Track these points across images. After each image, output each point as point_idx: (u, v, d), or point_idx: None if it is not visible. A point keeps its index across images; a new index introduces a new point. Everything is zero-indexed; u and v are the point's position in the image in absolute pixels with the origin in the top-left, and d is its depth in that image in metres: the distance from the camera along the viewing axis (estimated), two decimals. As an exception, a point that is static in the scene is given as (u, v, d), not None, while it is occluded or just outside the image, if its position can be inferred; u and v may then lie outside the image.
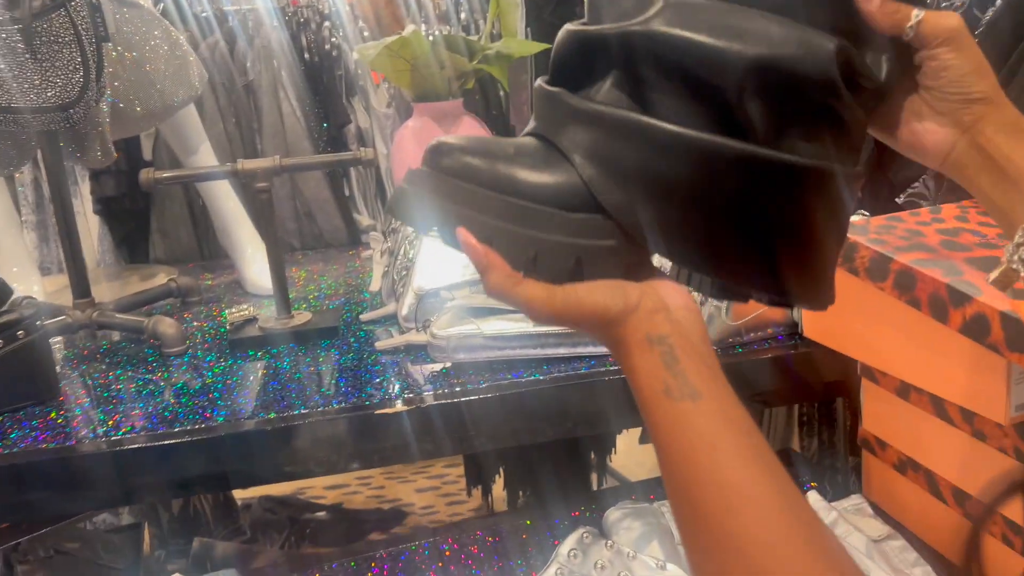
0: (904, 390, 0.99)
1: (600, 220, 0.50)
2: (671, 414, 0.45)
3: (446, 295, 1.17)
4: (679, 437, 0.44)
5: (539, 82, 0.55)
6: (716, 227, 0.49)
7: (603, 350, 1.06)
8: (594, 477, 2.08)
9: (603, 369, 1.04)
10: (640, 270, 0.52)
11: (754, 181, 0.48)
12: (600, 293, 0.49)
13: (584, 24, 0.53)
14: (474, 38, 1.51)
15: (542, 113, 0.53)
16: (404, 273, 1.22)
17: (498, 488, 2.12)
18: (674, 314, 0.50)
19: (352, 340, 1.22)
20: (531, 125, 0.54)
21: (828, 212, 0.51)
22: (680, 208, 0.48)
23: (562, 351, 1.07)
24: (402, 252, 1.27)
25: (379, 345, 1.16)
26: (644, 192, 0.48)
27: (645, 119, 0.48)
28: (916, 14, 0.48)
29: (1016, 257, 0.48)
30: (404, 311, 1.18)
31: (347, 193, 1.88)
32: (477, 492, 2.17)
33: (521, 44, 1.51)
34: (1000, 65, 1.13)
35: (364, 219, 1.87)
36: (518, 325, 1.07)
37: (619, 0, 0.50)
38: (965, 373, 0.88)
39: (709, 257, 0.50)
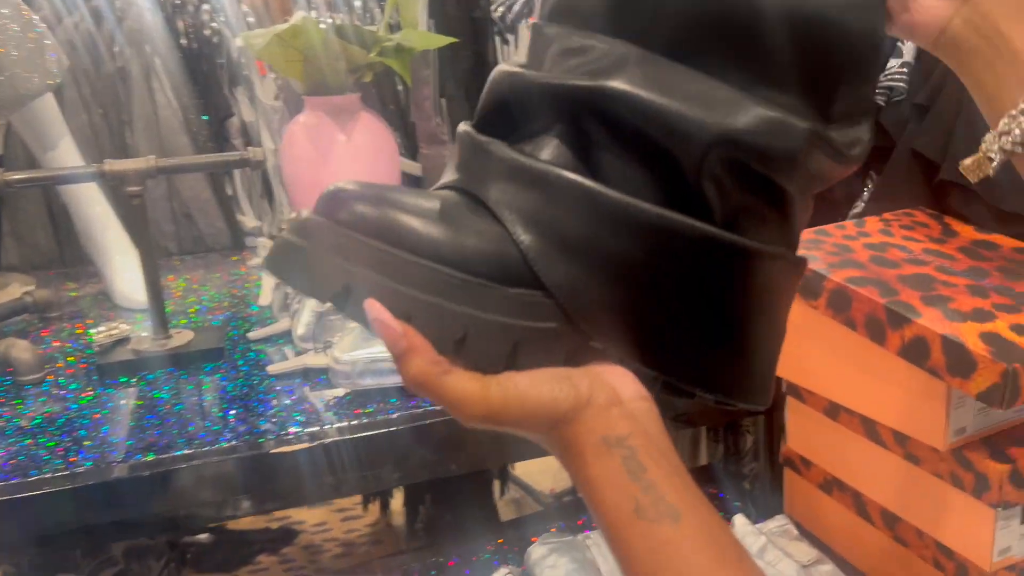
0: (833, 410, 0.96)
1: (540, 297, 0.42)
2: (649, 538, 0.38)
3: (348, 312, 1.07)
4: (662, 566, 0.37)
5: (465, 127, 0.47)
6: (668, 315, 0.44)
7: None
8: (496, 485, 2.01)
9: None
10: (581, 355, 0.45)
11: (712, 266, 0.43)
12: (546, 386, 0.41)
13: (524, 67, 0.46)
14: (372, 28, 1.40)
15: (469, 165, 0.46)
16: (300, 287, 1.11)
17: (396, 502, 2.02)
18: (629, 407, 0.43)
19: (240, 363, 1.09)
20: (451, 176, 0.46)
21: (782, 302, 0.48)
22: (629, 292, 0.43)
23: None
24: (296, 263, 1.15)
25: (272, 369, 1.04)
26: (589, 270, 0.42)
27: (598, 187, 0.42)
28: None
29: (996, 147, 0.44)
30: (301, 330, 1.07)
31: (229, 192, 1.72)
32: (374, 507, 2.06)
33: (423, 37, 1.41)
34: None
35: (249, 220, 1.72)
36: (430, 346, 0.97)
37: (572, 48, 0.44)
38: (901, 396, 0.85)
39: (658, 350, 0.44)
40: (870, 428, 0.90)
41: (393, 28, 1.53)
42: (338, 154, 1.41)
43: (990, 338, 0.76)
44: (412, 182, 1.67)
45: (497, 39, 1.87)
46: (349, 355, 0.96)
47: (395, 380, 0.96)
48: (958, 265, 0.92)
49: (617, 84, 0.42)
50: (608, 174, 0.43)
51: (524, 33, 2.04)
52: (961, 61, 0.46)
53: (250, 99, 1.71)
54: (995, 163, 0.45)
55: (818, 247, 0.96)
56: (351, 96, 1.41)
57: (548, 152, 0.44)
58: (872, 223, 1.04)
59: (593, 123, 0.43)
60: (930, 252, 0.96)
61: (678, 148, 0.42)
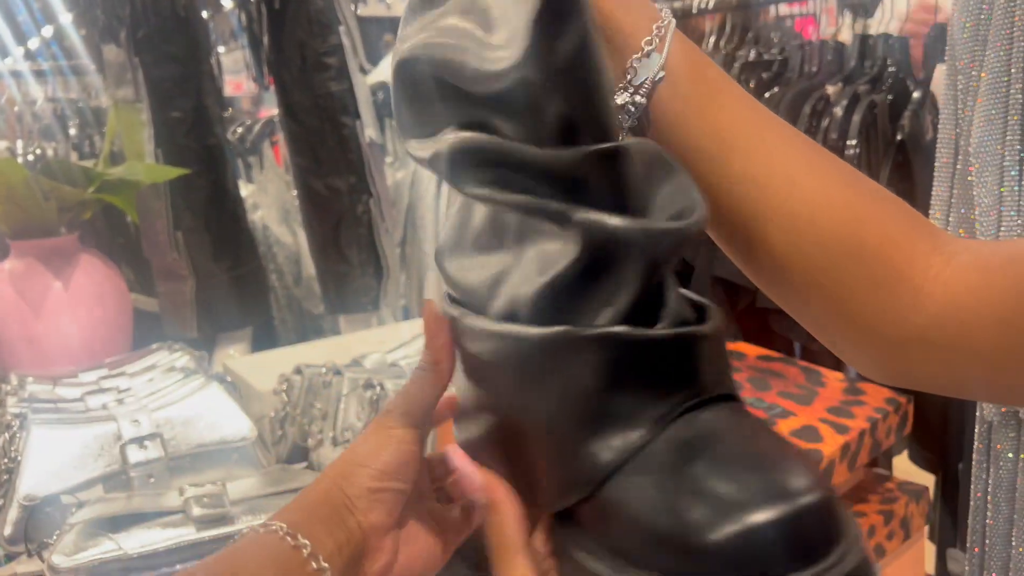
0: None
1: None
2: None
3: (69, 500, 0.90)
4: None
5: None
6: None
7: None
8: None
9: (290, 573, 0.85)
10: None
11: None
12: None
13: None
14: (89, 163, 1.26)
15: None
16: (5, 477, 0.93)
17: None
18: None
19: (-72, 580, 0.88)
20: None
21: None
22: None
23: (235, 556, 0.86)
24: (1, 444, 0.97)
25: (-30, 586, 0.85)
26: None
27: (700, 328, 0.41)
28: None
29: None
30: (7, 530, 0.89)
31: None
32: None
33: (149, 170, 1.29)
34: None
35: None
36: (173, 533, 0.84)
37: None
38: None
39: None
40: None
41: (116, 159, 1.39)
42: (53, 303, 1.24)
43: (755, 460, 0.77)
44: (148, 319, 1.51)
45: (239, 163, 1.78)
46: (72, 558, 0.80)
47: (132, 582, 0.82)
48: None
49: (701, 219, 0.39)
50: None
51: (268, 153, 1.96)
52: None
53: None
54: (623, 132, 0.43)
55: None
56: (67, 237, 1.25)
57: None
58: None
59: None
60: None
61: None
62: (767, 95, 1.35)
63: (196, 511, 0.85)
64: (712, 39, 1.61)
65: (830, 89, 1.29)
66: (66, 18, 1.56)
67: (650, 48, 0.42)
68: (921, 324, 0.40)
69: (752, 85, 1.39)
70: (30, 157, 1.51)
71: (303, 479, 0.93)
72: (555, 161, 0.39)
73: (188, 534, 0.84)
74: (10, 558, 0.89)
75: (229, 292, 1.47)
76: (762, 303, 1.13)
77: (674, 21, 0.43)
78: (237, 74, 1.74)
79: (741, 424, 0.39)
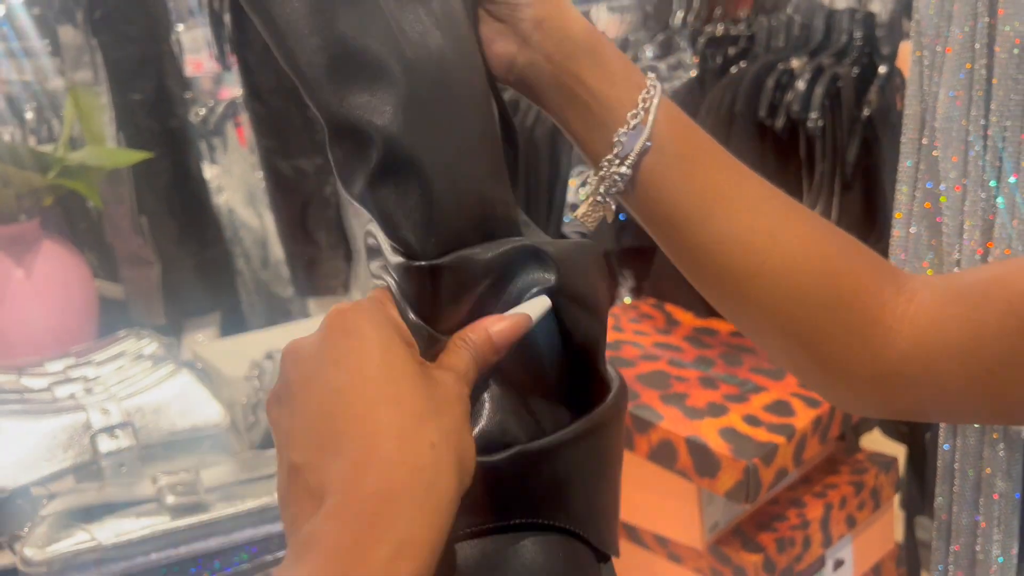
0: (594, 517, 0.95)
1: None
2: None
3: (40, 492, 0.89)
4: None
5: None
6: None
7: (266, 531, 0.87)
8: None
9: (270, 558, 0.85)
10: None
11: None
12: None
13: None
14: (48, 147, 1.23)
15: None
16: (-28, 470, 0.91)
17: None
18: None
19: None
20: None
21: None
22: None
23: (212, 544, 0.86)
24: (-34, 437, 0.95)
25: (-61, 582, 0.83)
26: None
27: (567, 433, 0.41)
28: None
29: (602, 189, 0.45)
30: (-24, 524, 0.87)
31: None
32: None
33: (111, 154, 1.27)
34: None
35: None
36: (147, 522, 0.83)
37: None
38: (656, 499, 0.86)
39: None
40: (632, 533, 0.90)
41: (76, 143, 1.36)
42: (15, 292, 1.21)
43: (728, 435, 0.78)
44: (113, 306, 1.48)
45: (202, 145, 1.74)
46: (43, 551, 0.79)
47: (107, 572, 0.81)
48: (686, 356, 0.96)
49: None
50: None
51: (232, 135, 1.93)
52: (537, 98, 0.46)
53: None
54: (612, 205, 0.46)
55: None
56: (27, 224, 1.22)
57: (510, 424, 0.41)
58: (603, 319, 1.07)
59: None
60: (660, 345, 0.99)
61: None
62: (733, 70, 1.35)
63: (170, 499, 0.84)
64: (680, 14, 1.61)
65: (795, 63, 1.29)
66: (19, -2, 1.51)
67: (636, 121, 0.43)
68: (892, 361, 0.43)
69: (718, 61, 1.39)
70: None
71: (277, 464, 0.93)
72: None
73: (163, 523, 0.83)
74: (-21, 552, 0.87)
75: (196, 277, 1.45)
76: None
77: (659, 88, 0.44)
78: (197, 53, 1.70)
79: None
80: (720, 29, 1.46)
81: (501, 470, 0.39)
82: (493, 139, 0.42)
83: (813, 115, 1.22)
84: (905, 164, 0.98)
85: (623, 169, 0.43)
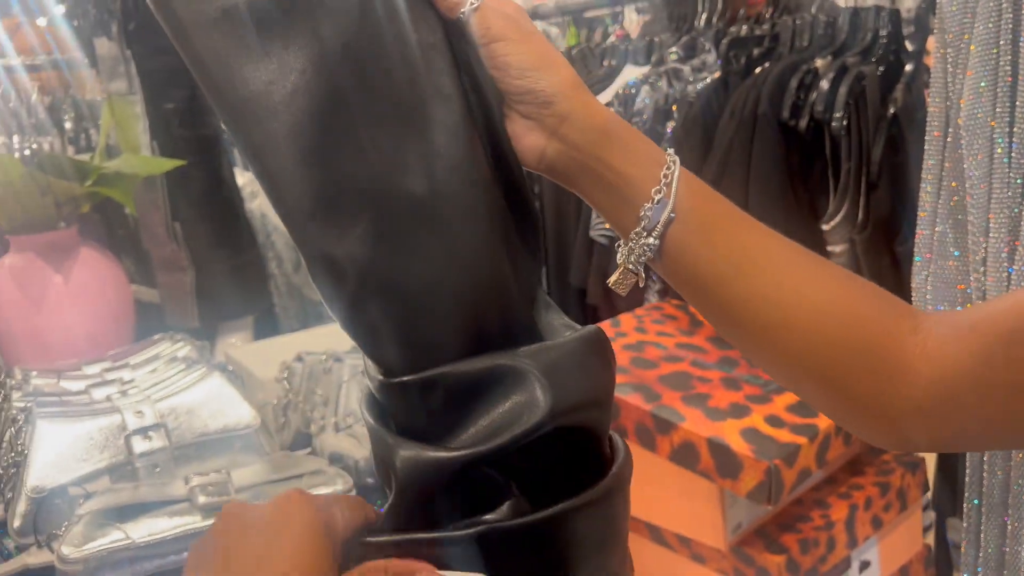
0: (618, 517, 0.95)
1: None
2: None
3: (76, 492, 0.91)
4: None
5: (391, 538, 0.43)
6: None
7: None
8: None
9: (296, 557, 0.87)
10: None
11: None
12: None
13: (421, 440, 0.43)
14: (85, 156, 1.26)
15: None
16: (13, 470, 0.94)
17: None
18: None
19: (-59, 573, 0.90)
20: None
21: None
22: None
23: (242, 542, 0.88)
24: (7, 439, 0.98)
25: (-18, 578, 0.86)
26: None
27: (580, 500, 0.43)
28: (472, 3, 0.45)
29: (632, 259, 0.48)
30: (17, 522, 0.90)
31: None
32: None
33: (145, 162, 1.30)
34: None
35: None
36: (179, 521, 0.85)
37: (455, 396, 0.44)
38: (679, 499, 0.86)
39: None
40: (656, 533, 0.90)
41: (111, 151, 1.40)
42: (54, 297, 1.25)
43: (750, 435, 0.78)
44: (148, 310, 1.52)
45: (235, 151, 1.78)
46: (79, 550, 0.81)
47: (140, 570, 0.83)
48: (709, 357, 0.96)
49: (542, 418, 0.41)
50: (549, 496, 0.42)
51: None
52: (567, 182, 0.49)
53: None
54: (641, 273, 0.49)
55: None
56: (66, 231, 1.26)
57: (499, 512, 0.43)
58: (627, 320, 1.07)
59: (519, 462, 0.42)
60: (683, 346, 1.00)
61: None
62: (756, 71, 1.34)
63: (201, 499, 0.86)
64: (704, 16, 1.60)
65: (819, 62, 1.28)
66: (58, 11, 1.56)
67: (659, 196, 0.46)
68: (916, 398, 0.45)
69: (742, 61, 1.39)
70: (26, 152, 1.51)
71: (307, 465, 0.95)
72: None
73: (194, 522, 0.85)
74: (20, 549, 0.90)
75: (229, 281, 1.48)
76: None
77: (678, 163, 0.47)
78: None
79: None
80: (744, 30, 1.45)
81: (512, 535, 0.41)
82: (492, 252, 0.44)
83: (837, 115, 1.21)
84: (929, 162, 0.97)
85: (650, 240, 0.47)
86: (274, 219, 1.89)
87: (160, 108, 1.37)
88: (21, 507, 0.90)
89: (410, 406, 0.43)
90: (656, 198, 0.46)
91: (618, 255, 0.48)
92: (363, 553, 0.43)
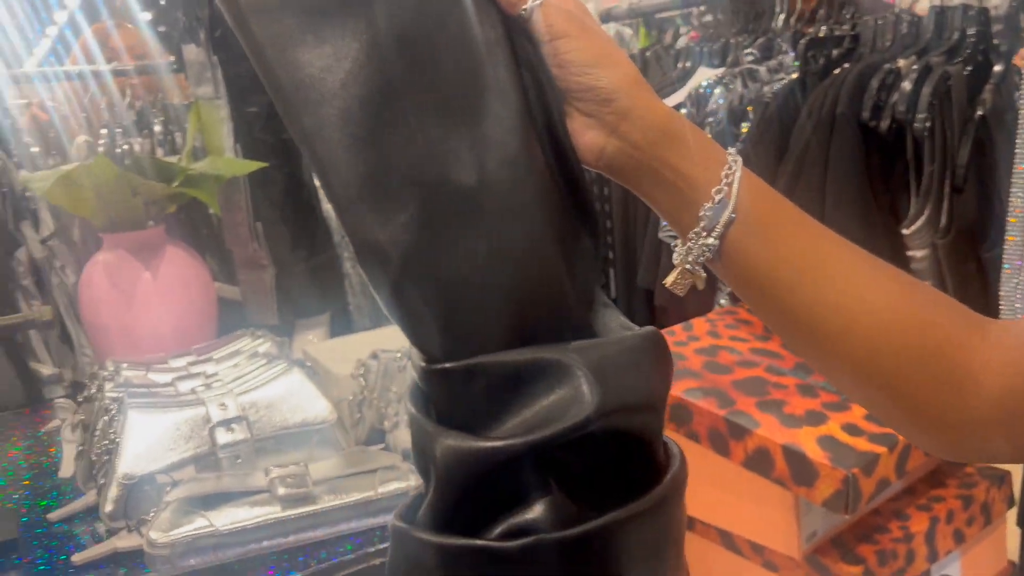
0: (689, 522, 0.95)
1: None
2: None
3: (164, 480, 0.95)
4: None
5: (438, 538, 0.42)
6: None
7: (370, 524, 0.91)
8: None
9: (372, 549, 0.89)
10: None
11: None
12: None
13: (466, 431, 0.42)
14: (172, 160, 1.32)
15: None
16: (106, 457, 0.98)
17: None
18: None
19: (39, 552, 0.95)
20: None
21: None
22: None
23: (319, 534, 0.90)
24: (101, 426, 1.03)
25: (77, 559, 0.91)
26: None
27: (627, 511, 0.41)
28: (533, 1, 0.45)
29: (691, 259, 0.47)
30: (108, 507, 0.94)
31: (19, 339, 1.54)
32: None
33: (230, 163, 1.34)
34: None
35: (45, 368, 1.54)
36: (260, 511, 0.89)
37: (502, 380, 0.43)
38: (752, 506, 0.85)
39: None
40: (727, 539, 0.89)
41: (197, 153, 1.45)
42: (143, 293, 1.30)
43: (827, 443, 0.77)
44: (230, 307, 1.57)
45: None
46: (168, 535, 0.85)
47: (223, 557, 0.86)
48: (785, 363, 0.95)
49: (589, 415, 0.40)
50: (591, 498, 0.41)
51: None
52: (626, 180, 0.48)
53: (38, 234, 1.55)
54: (701, 273, 0.48)
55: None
56: (154, 230, 1.31)
57: (542, 509, 0.41)
58: (699, 324, 1.06)
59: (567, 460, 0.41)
60: (758, 352, 0.98)
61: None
62: (836, 71, 1.32)
63: (281, 490, 0.89)
64: (782, 16, 1.58)
65: (901, 62, 1.25)
66: (149, 18, 1.63)
67: (720, 196, 0.46)
68: (981, 408, 0.44)
69: (821, 62, 1.36)
70: (117, 150, 1.58)
71: (381, 460, 0.97)
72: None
73: (274, 512, 0.88)
74: (111, 533, 0.94)
75: (307, 280, 1.52)
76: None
77: (740, 162, 0.47)
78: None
79: None
80: (823, 30, 1.43)
81: (564, 545, 0.40)
82: (543, 250, 0.43)
83: (920, 115, 1.18)
84: (1020, 167, 0.94)
85: (710, 240, 0.46)
86: (349, 220, 1.93)
87: (244, 112, 1.42)
88: (113, 493, 0.94)
89: (451, 394, 0.43)
90: (716, 198, 0.46)
91: (675, 255, 0.47)
92: (403, 543, 0.43)
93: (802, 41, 1.37)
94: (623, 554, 0.42)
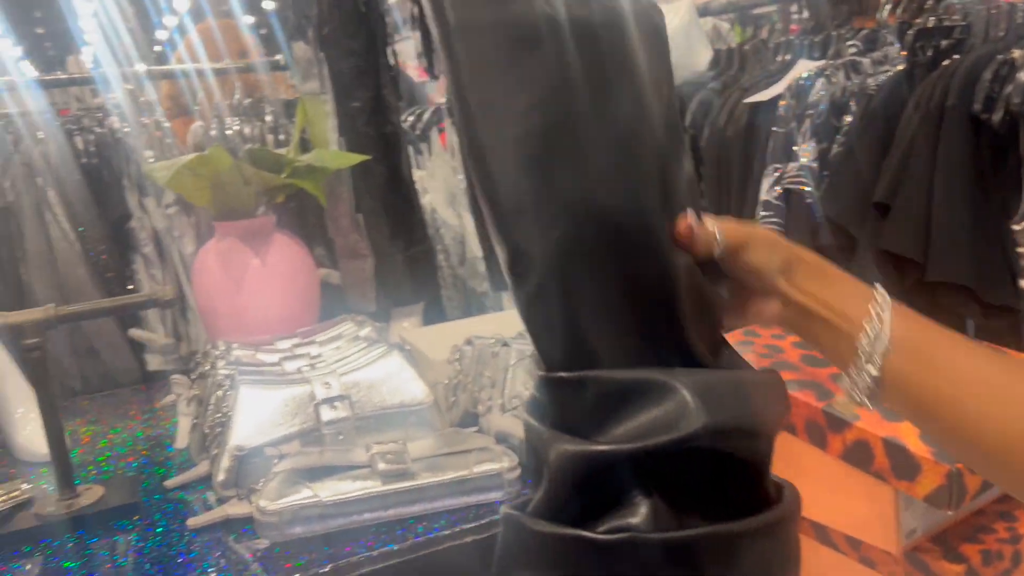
0: (782, 515, 0.94)
1: None
2: None
3: (272, 452, 1.01)
4: None
5: (549, 526, 0.45)
6: None
7: (464, 501, 0.94)
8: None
9: (467, 526, 0.92)
10: None
11: None
12: None
13: (576, 435, 0.46)
14: (282, 152, 1.38)
15: (597, 573, 0.44)
16: (219, 429, 1.04)
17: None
18: None
19: (157, 517, 1.01)
20: None
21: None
22: None
23: (416, 509, 0.94)
24: (214, 401, 1.09)
25: (192, 523, 0.97)
26: None
27: (729, 527, 0.43)
28: (717, 234, 0.50)
29: (855, 389, 0.50)
30: (221, 476, 1.00)
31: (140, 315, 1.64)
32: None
33: (335, 156, 1.40)
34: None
35: (151, 335, 1.62)
36: (361, 484, 0.92)
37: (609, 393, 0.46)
38: (849, 500, 0.84)
39: None
40: (822, 533, 0.88)
41: (304, 145, 1.51)
42: (252, 279, 1.36)
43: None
44: (332, 294, 1.63)
45: (410, 149, 1.87)
46: (275, 504, 0.89)
47: (327, 526, 0.90)
48: (885, 358, 0.93)
49: (696, 429, 0.42)
50: (696, 507, 0.44)
51: (436, 139, 2.06)
52: (806, 333, 0.53)
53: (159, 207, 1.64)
54: (870, 405, 0.51)
55: (749, 349, 0.95)
56: (264, 219, 1.37)
57: (644, 513, 0.43)
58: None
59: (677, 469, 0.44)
60: (857, 346, 0.97)
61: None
62: (945, 63, 1.28)
63: (382, 466, 0.93)
64: (888, 7, 1.54)
65: (1016, 53, 1.20)
66: (262, 18, 1.71)
67: (874, 331, 0.49)
68: None
69: (929, 53, 1.32)
70: (228, 132, 1.66)
71: (475, 442, 0.99)
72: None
73: (375, 486, 0.92)
74: (221, 501, 1.00)
75: (404, 270, 1.57)
76: (932, 277, 1.08)
77: (886, 295, 0.50)
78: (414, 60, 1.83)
79: None
80: (931, 21, 1.38)
81: (661, 547, 0.42)
82: (673, 288, 0.46)
83: (1038, 108, 1.13)
84: None
85: (871, 371, 0.49)
86: (443, 214, 1.97)
87: (347, 107, 1.48)
88: (225, 463, 1.00)
89: (564, 402, 0.46)
90: (871, 332, 0.49)
91: (841, 382, 0.51)
92: (515, 529, 0.46)
93: (909, 32, 1.34)
94: (730, 567, 0.44)
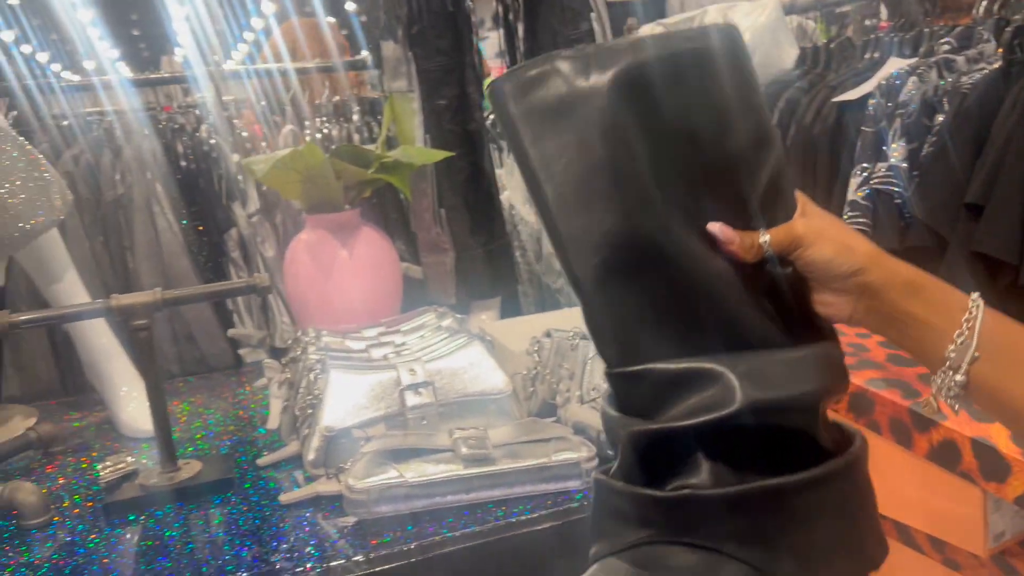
0: (863, 515, 0.93)
1: None
2: None
3: (359, 434, 1.05)
4: None
5: (624, 486, 0.54)
6: None
7: (543, 488, 0.96)
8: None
9: (545, 512, 0.94)
10: None
11: None
12: None
13: (644, 419, 0.53)
14: (370, 147, 1.42)
15: (665, 522, 0.52)
16: (309, 411, 1.09)
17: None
18: None
19: (250, 492, 1.06)
20: (637, 533, 0.53)
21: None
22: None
23: (496, 493, 0.96)
24: (304, 384, 1.14)
25: (284, 499, 1.02)
26: (792, 551, 0.50)
27: (778, 481, 0.49)
28: (764, 238, 0.52)
29: (942, 393, 0.52)
30: (311, 455, 1.05)
31: (229, 307, 1.72)
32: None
33: (421, 152, 1.44)
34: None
35: (248, 331, 1.70)
36: (444, 468, 0.95)
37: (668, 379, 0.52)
38: (935, 500, 0.83)
39: None
40: (905, 533, 0.87)
41: (390, 142, 1.56)
42: (340, 270, 1.41)
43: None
44: (414, 286, 1.68)
45: (492, 147, 1.91)
46: (363, 483, 0.93)
47: (411, 506, 0.94)
48: (975, 359, 0.91)
49: (738, 408, 0.49)
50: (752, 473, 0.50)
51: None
52: (875, 330, 0.54)
53: (246, 212, 1.72)
54: (956, 407, 0.52)
55: (832, 347, 0.95)
56: (351, 212, 1.42)
57: (705, 475, 0.51)
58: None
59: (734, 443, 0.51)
60: (945, 346, 0.95)
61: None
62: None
63: (464, 450, 0.96)
64: (984, 4, 1.49)
65: None
66: (353, 19, 1.77)
67: (962, 339, 0.50)
68: None
69: (1030, 50, 1.28)
70: (318, 136, 1.72)
71: (552, 431, 1.01)
72: None
73: (457, 470, 0.95)
74: (310, 479, 1.05)
75: (483, 264, 1.60)
76: (1026, 280, 1.06)
77: (982, 307, 0.51)
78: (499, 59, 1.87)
79: None
80: (1033, 16, 1.34)
81: (743, 500, 0.49)
82: (708, 287, 0.51)
83: None
84: None
85: (957, 377, 0.50)
86: (521, 211, 2.00)
87: (434, 104, 1.52)
88: (315, 443, 1.05)
89: (625, 391, 0.55)
90: (960, 341, 0.50)
91: (931, 383, 0.52)
92: (602, 490, 0.55)
93: (1007, 29, 1.30)
94: (781, 516, 0.50)
